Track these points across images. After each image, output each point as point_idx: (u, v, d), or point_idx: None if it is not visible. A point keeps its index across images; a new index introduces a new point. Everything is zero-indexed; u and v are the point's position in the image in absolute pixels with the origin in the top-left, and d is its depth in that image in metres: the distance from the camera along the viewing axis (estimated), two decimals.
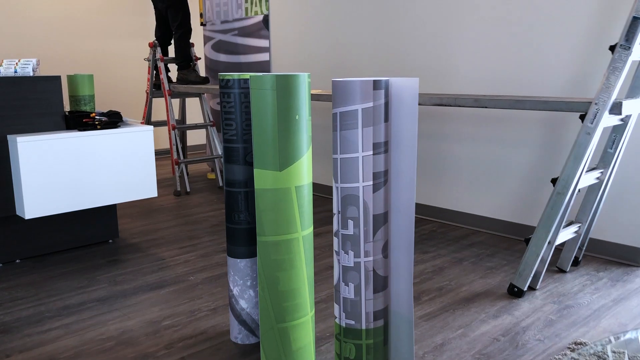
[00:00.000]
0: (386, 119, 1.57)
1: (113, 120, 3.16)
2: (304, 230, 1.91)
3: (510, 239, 3.44)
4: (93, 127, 3.10)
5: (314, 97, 3.70)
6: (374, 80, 1.52)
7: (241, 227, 2.12)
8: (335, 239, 1.63)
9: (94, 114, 3.13)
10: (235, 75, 2.08)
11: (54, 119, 3.08)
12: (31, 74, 3.03)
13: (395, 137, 1.60)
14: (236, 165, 2.10)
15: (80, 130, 3.06)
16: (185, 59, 4.88)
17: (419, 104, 3.20)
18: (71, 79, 3.44)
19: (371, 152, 1.54)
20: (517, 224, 3.44)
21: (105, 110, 3.35)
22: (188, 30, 4.84)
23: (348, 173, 1.56)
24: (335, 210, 1.62)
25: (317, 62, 4.54)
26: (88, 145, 3.04)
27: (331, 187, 4.63)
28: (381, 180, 1.57)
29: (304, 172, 1.90)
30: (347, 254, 1.57)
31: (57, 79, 3.08)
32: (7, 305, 2.56)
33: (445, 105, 3.00)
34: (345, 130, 1.55)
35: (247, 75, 2.08)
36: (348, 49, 4.28)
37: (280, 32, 4.82)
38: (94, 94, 3.52)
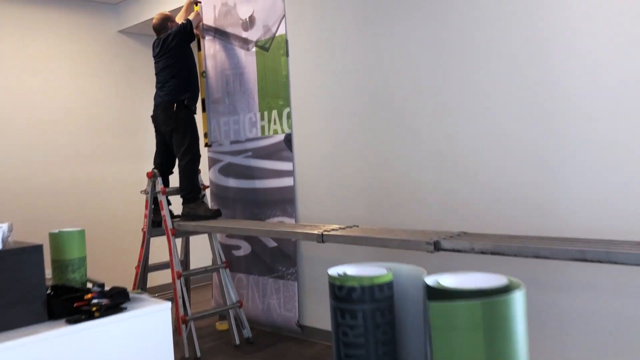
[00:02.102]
0: None
1: (117, 302, 2.22)
2: None
3: None
4: (89, 314, 2.14)
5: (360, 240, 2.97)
6: None
7: None
8: None
9: (89, 296, 2.19)
10: (364, 278, 1.19)
11: (32, 307, 2.12)
12: (0, 247, 2.11)
13: None
14: None
15: (69, 322, 2.10)
16: (193, 190, 4.02)
17: (533, 256, 2.35)
18: (55, 238, 2.51)
19: None
20: None
21: (100, 283, 2.40)
22: (196, 157, 4.03)
23: None
24: None
25: (353, 188, 3.72)
26: (82, 343, 2.07)
27: None
28: None
29: None
30: None
31: (38, 249, 2.15)
32: None
33: (592, 261, 2.15)
34: None
35: (383, 276, 1.19)
36: (389, 171, 3.48)
37: (306, 152, 4.03)
38: (85, 256, 2.58)
